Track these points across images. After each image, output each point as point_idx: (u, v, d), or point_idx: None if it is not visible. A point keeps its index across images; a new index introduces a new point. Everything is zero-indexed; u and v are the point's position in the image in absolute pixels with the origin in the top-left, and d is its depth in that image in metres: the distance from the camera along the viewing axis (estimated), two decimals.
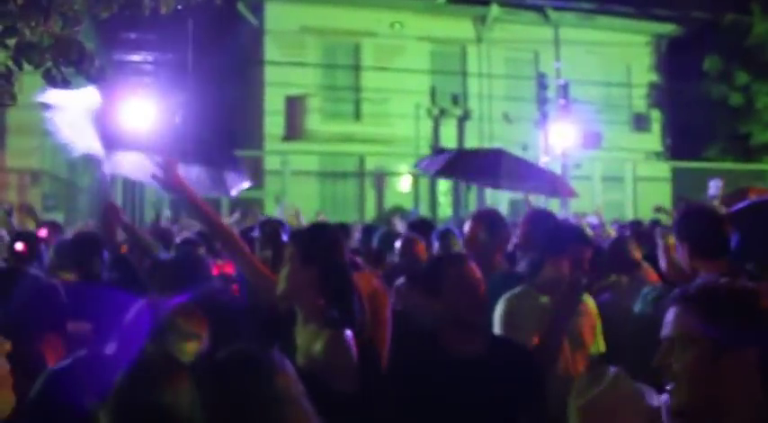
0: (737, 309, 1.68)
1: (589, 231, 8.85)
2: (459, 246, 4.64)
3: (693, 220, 3.38)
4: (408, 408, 2.71)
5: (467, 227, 4.32)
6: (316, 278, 2.77)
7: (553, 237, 3.49)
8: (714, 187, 10.38)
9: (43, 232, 6.48)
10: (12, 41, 2.90)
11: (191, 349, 2.42)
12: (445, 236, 5.09)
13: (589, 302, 3.56)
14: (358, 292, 2.87)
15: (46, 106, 4.15)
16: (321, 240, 2.94)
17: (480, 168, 9.69)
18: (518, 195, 17.95)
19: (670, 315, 1.75)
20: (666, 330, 1.75)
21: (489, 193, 18.57)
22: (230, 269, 4.40)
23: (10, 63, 3.06)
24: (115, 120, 4.91)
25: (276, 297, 2.89)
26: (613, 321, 3.69)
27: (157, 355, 2.14)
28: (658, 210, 8.73)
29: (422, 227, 5.87)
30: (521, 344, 3.00)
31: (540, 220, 4.18)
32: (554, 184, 9.59)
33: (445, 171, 9.61)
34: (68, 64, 3.05)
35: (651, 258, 5.46)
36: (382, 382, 2.85)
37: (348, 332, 2.76)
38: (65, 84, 3.14)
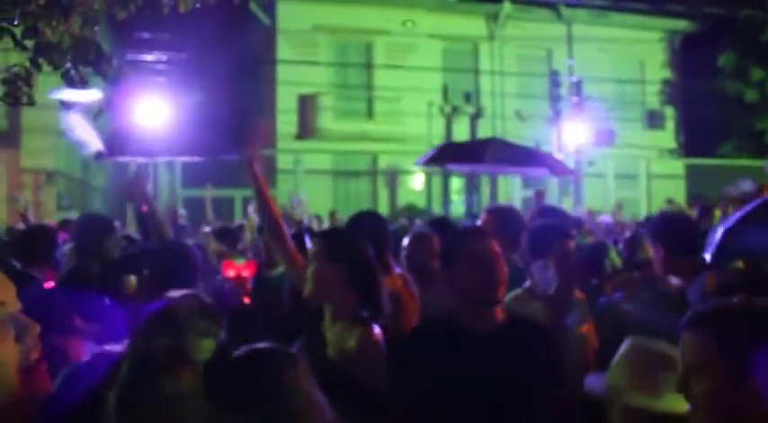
0: (755, 332, 1.52)
1: (601, 230, 8.84)
2: None
3: (668, 223, 3.79)
4: (422, 384, 2.69)
5: (480, 220, 4.34)
6: (343, 276, 2.83)
7: (535, 237, 3.52)
8: (748, 185, 10.61)
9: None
10: (30, 43, 2.93)
11: (208, 347, 2.45)
12: None
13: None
14: (385, 289, 2.91)
15: (63, 105, 4.19)
16: (346, 239, 3.02)
17: (466, 153, 9.92)
18: (530, 193, 17.98)
19: (682, 342, 1.62)
20: (681, 357, 1.62)
21: (503, 192, 18.55)
22: (248, 272, 4.40)
23: (28, 64, 3.09)
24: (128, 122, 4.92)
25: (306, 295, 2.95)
26: (614, 319, 3.71)
27: (161, 347, 2.17)
28: (669, 202, 8.86)
29: (440, 225, 5.88)
30: (538, 322, 2.98)
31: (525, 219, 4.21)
32: (547, 164, 9.61)
33: (432, 160, 9.82)
34: (86, 64, 3.08)
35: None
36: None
37: (377, 328, 2.82)
38: (83, 84, 3.18)
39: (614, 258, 5.41)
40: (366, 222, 3.85)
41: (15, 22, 2.84)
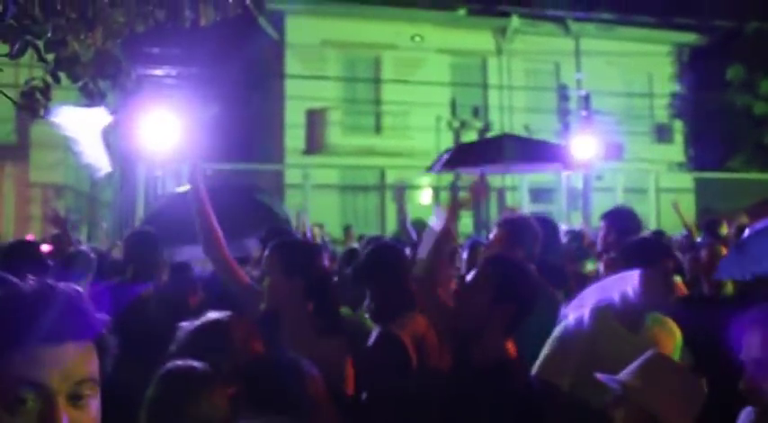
0: None
1: None
2: None
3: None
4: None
5: (493, 233, 4.21)
6: (299, 289, 2.85)
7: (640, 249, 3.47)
8: None
9: (46, 247, 6.37)
10: (50, 56, 2.91)
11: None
12: (474, 247, 5.09)
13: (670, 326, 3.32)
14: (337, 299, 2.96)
15: (68, 124, 4.16)
16: (301, 251, 3.03)
17: (479, 153, 9.95)
18: (538, 208, 17.90)
19: None
20: None
21: (510, 205, 18.46)
22: None
23: (47, 77, 3.07)
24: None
25: (258, 307, 2.96)
26: None
27: (195, 365, 2.12)
28: (676, 207, 8.87)
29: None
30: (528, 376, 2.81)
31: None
32: (560, 158, 9.77)
33: (448, 165, 9.79)
34: (106, 77, 3.07)
35: (680, 270, 5.42)
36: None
37: (342, 338, 2.88)
38: (101, 98, 3.16)
39: None
40: (385, 255, 3.56)
41: (49, 35, 2.82)
